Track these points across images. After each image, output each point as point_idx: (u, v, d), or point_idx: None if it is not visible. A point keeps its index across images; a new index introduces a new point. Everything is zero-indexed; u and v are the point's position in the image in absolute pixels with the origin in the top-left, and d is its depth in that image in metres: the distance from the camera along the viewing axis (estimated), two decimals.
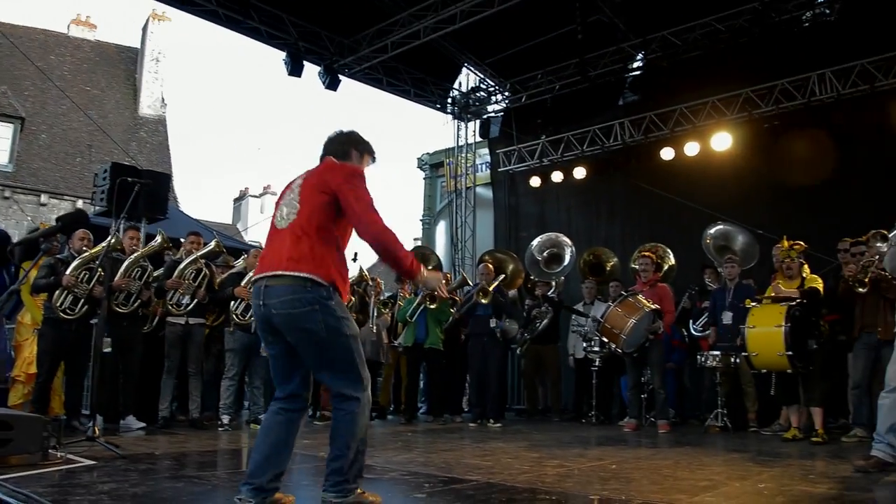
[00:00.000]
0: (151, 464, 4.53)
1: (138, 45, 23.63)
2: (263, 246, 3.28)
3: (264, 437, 3.09)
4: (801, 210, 9.32)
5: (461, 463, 4.84)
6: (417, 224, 19.71)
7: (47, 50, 22.67)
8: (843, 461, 4.99)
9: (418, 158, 19.59)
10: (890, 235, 4.57)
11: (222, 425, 6.91)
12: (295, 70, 10.52)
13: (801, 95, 9.53)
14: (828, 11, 9.57)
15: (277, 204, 3.23)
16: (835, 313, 6.82)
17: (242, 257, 7.79)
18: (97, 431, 4.96)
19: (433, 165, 19.12)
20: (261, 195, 24.84)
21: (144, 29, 23.01)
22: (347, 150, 3.31)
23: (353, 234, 3.14)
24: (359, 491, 3.09)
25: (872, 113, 8.89)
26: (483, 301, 8.38)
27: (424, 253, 11.22)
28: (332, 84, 10.96)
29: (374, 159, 3.43)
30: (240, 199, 25.06)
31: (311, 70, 11.04)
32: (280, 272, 2.98)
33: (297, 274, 2.95)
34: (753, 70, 10.01)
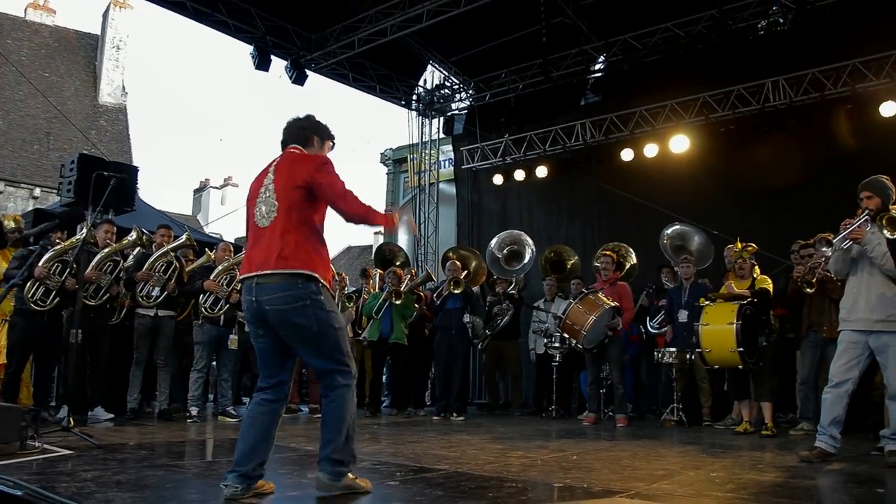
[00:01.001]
0: (128, 453, 4.61)
1: (98, 32, 23.22)
2: (246, 244, 3.41)
3: (249, 427, 3.24)
4: (756, 212, 9.69)
5: (428, 454, 5.00)
6: None
7: (3, 34, 22.15)
8: (790, 452, 5.28)
9: (381, 153, 19.67)
10: (835, 241, 4.84)
11: (191, 417, 6.98)
12: (262, 64, 10.55)
13: (755, 101, 9.88)
14: (781, 21, 9.92)
15: (253, 202, 3.35)
16: (784, 310, 7.14)
17: (206, 251, 7.84)
18: (72, 422, 5.01)
19: (396, 161, 19.19)
20: (221, 187, 24.58)
21: (105, 15, 22.61)
22: (309, 136, 3.48)
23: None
24: (350, 476, 3.25)
25: (823, 120, 9.27)
26: (455, 291, 8.54)
27: (392, 249, 11.35)
28: (298, 79, 11.00)
29: (333, 144, 3.62)
30: (200, 190, 24.78)
31: (276, 62, 11.06)
32: (270, 271, 3.13)
33: (287, 271, 3.12)
34: (711, 75, 10.33)
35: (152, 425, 6.67)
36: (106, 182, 5.63)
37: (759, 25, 10.13)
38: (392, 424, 7.72)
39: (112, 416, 6.78)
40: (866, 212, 4.91)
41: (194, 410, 7.05)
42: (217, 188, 24.61)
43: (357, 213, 3.25)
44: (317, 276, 3.17)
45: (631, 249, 10.20)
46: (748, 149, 9.88)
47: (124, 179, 6.91)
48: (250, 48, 10.65)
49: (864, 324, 4.81)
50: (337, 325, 3.22)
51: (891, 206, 4.94)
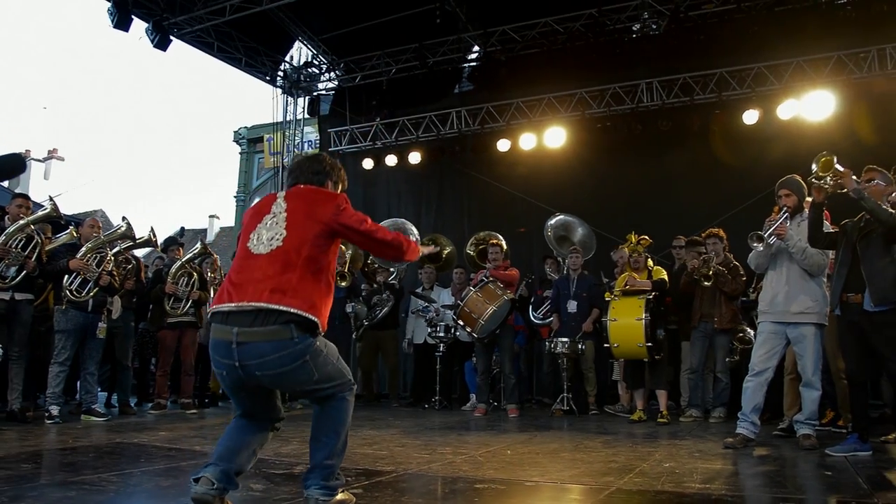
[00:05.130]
0: (5, 468, 3.85)
1: None
2: (231, 271, 2.85)
3: (238, 431, 2.84)
4: (630, 208, 10.02)
5: (356, 453, 4.64)
6: (231, 201, 18.63)
7: None
8: (704, 440, 5.46)
9: (235, 132, 18.49)
10: (765, 235, 5.03)
11: (50, 417, 6.06)
12: (121, 23, 9.41)
13: (630, 100, 10.24)
14: (654, 26, 10.35)
15: (252, 227, 2.85)
16: (674, 303, 7.41)
17: (70, 227, 6.91)
18: None
19: (251, 140, 18.16)
20: (45, 160, 22.09)
21: None
22: (324, 181, 3.06)
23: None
24: (342, 490, 2.88)
25: (692, 122, 9.77)
26: (342, 284, 8.12)
27: None
28: (161, 43, 9.97)
29: (344, 187, 3.22)
30: None
31: (100, 24, 9.82)
32: (261, 305, 2.62)
33: (280, 308, 2.61)
34: (587, 72, 10.56)
35: (5, 429, 5.75)
36: None
37: (634, 28, 10.51)
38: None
39: None
40: (785, 209, 5.16)
41: (54, 410, 6.13)
42: (40, 161, 22.05)
43: (393, 240, 2.97)
44: (317, 322, 2.70)
45: (501, 238, 10.22)
46: (623, 146, 10.24)
47: None
48: (107, 4, 9.52)
49: (783, 316, 5.06)
50: (333, 360, 2.82)
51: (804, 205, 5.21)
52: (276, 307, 2.61)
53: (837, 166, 4.65)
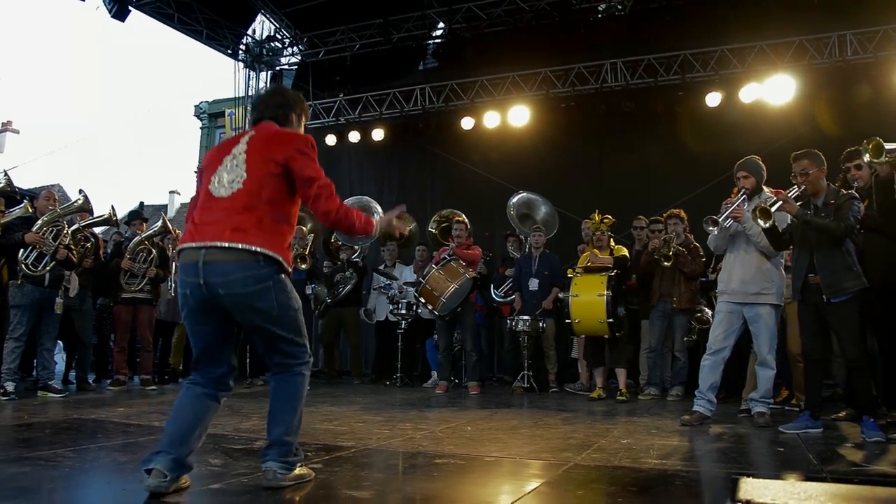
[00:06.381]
0: None
1: None
2: (191, 211, 2.86)
3: (190, 409, 2.79)
4: (593, 186, 10.09)
5: (316, 429, 4.64)
6: (191, 176, 18.30)
7: None
8: (662, 417, 5.55)
9: (196, 106, 18.12)
10: (720, 220, 5.07)
11: (6, 393, 5.93)
12: None
13: (594, 80, 10.25)
14: (620, 7, 10.35)
15: (213, 169, 2.82)
16: (636, 283, 7.49)
17: (25, 201, 6.72)
18: None
19: (212, 115, 17.84)
20: None
21: None
22: (288, 114, 3.03)
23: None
24: (300, 465, 2.87)
25: (656, 103, 9.82)
26: (303, 267, 8.08)
27: None
28: (119, 13, 9.68)
29: (307, 116, 3.22)
30: None
31: None
32: (224, 244, 2.63)
33: (245, 247, 2.64)
34: (552, 51, 10.54)
35: None
36: None
37: (600, 8, 10.51)
38: (239, 396, 7.09)
39: None
40: (743, 191, 5.21)
41: (10, 386, 5.99)
42: None
43: (339, 220, 2.84)
44: (280, 259, 2.72)
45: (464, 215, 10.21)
46: (586, 126, 10.28)
47: None
48: None
49: (740, 296, 5.13)
50: (296, 306, 2.83)
51: (763, 186, 5.28)
52: (237, 245, 2.64)
53: (774, 207, 4.68)
